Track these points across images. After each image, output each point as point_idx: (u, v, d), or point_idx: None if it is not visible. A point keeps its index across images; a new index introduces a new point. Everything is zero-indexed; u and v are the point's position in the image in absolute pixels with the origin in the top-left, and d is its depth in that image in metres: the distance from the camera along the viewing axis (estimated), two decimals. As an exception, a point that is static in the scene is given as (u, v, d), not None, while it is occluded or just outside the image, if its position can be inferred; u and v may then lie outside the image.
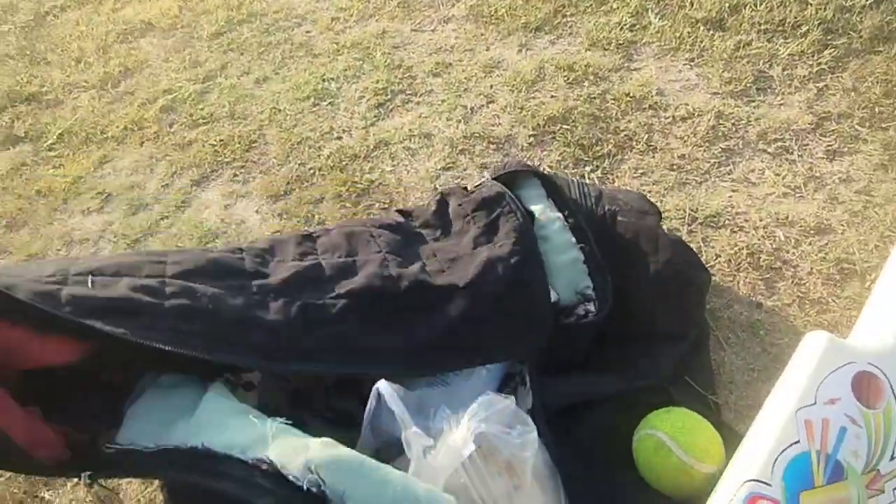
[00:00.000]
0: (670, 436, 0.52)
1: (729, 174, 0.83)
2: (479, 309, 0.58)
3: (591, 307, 0.62)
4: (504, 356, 0.61)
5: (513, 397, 0.52)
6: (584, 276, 0.64)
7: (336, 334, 0.54)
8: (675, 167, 0.86)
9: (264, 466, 0.44)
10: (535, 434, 0.49)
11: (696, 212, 0.79)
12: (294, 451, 0.45)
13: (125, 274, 0.53)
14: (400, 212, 0.72)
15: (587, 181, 0.81)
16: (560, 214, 0.67)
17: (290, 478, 0.43)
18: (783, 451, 0.49)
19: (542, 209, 0.68)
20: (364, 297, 0.57)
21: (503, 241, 0.63)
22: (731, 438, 0.54)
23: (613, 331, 0.61)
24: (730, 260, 0.74)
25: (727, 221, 0.78)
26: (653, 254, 0.62)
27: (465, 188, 0.74)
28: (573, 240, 0.65)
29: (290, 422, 0.49)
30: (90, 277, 0.51)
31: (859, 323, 0.60)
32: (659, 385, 0.58)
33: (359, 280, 0.58)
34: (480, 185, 0.71)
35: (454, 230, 0.67)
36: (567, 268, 0.64)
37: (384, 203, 0.91)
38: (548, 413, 0.55)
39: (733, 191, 0.81)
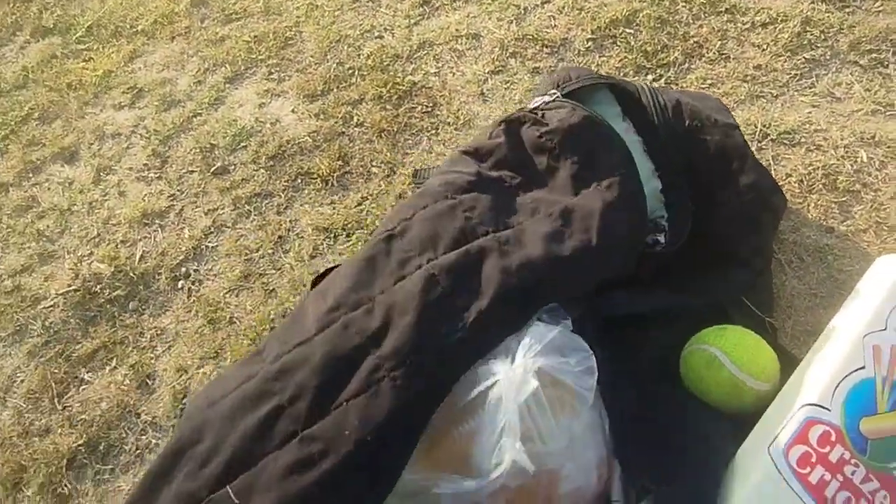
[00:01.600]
0: (723, 350, 0.51)
1: (811, 87, 0.77)
2: (610, 260, 0.54)
3: (661, 238, 0.59)
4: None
5: (564, 322, 0.49)
6: (661, 205, 0.60)
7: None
8: (748, 78, 0.79)
9: None
10: (593, 360, 0.48)
11: (768, 127, 0.74)
12: None
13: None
14: (465, 153, 0.62)
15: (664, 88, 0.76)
16: (639, 138, 0.61)
17: None
18: (846, 375, 0.47)
19: (621, 132, 0.60)
20: (492, 319, 0.48)
21: (609, 180, 0.56)
22: (787, 361, 0.52)
23: (680, 251, 0.58)
24: (802, 180, 0.69)
25: (803, 139, 0.72)
26: (737, 175, 0.57)
27: (534, 112, 0.63)
28: (653, 167, 0.60)
29: None
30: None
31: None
32: (720, 305, 0.56)
33: (483, 301, 0.48)
34: (550, 104, 0.63)
35: (540, 168, 0.59)
36: (647, 198, 0.59)
37: (427, 106, 0.88)
38: (597, 323, 0.54)
39: (814, 106, 0.75)
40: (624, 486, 0.49)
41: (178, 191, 0.89)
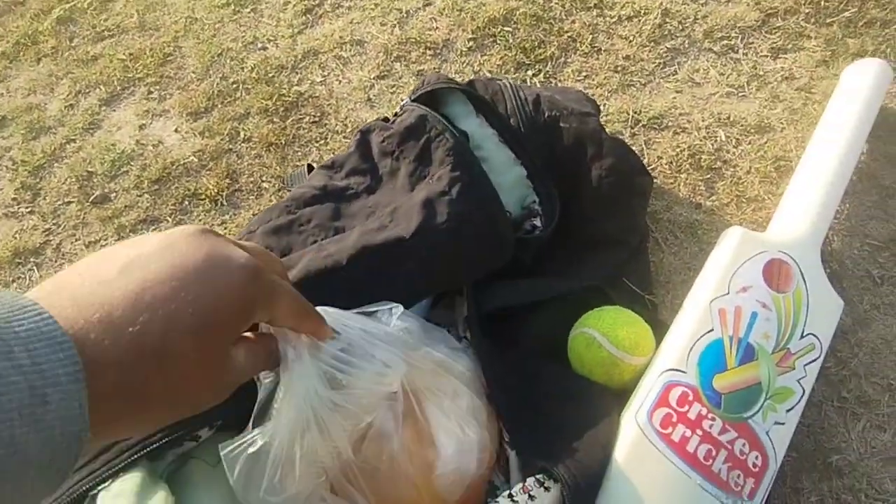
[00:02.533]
0: (601, 332, 0.56)
1: (674, 75, 0.85)
2: (432, 253, 0.56)
3: (538, 222, 0.63)
4: (464, 282, 0.62)
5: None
6: (530, 190, 0.64)
7: None
8: (619, 69, 0.86)
9: None
10: (463, 344, 0.51)
11: (639, 114, 0.81)
12: None
13: None
14: (322, 167, 0.67)
15: (527, 84, 0.81)
16: (493, 130, 0.65)
17: None
18: (698, 339, 0.53)
19: (474, 127, 0.65)
20: (309, 281, 0.51)
21: (439, 172, 0.60)
22: (664, 334, 0.58)
23: (554, 237, 0.63)
24: (671, 161, 0.76)
25: (670, 123, 0.80)
26: (597, 159, 0.63)
27: (386, 119, 0.70)
28: (512, 155, 0.65)
29: None
30: None
31: (775, 215, 0.64)
32: (599, 288, 0.61)
33: (294, 273, 0.52)
34: (400, 111, 0.68)
35: (384, 172, 0.64)
36: (512, 186, 0.64)
37: (314, 117, 0.90)
38: (484, 320, 0.58)
39: (677, 91, 0.83)
40: (522, 473, 0.53)
41: (54, 224, 0.86)
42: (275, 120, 0.90)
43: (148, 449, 0.43)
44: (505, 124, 0.64)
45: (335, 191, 0.62)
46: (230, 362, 0.28)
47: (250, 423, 0.43)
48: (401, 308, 0.48)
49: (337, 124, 0.88)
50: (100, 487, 0.41)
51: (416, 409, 0.48)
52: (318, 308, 0.38)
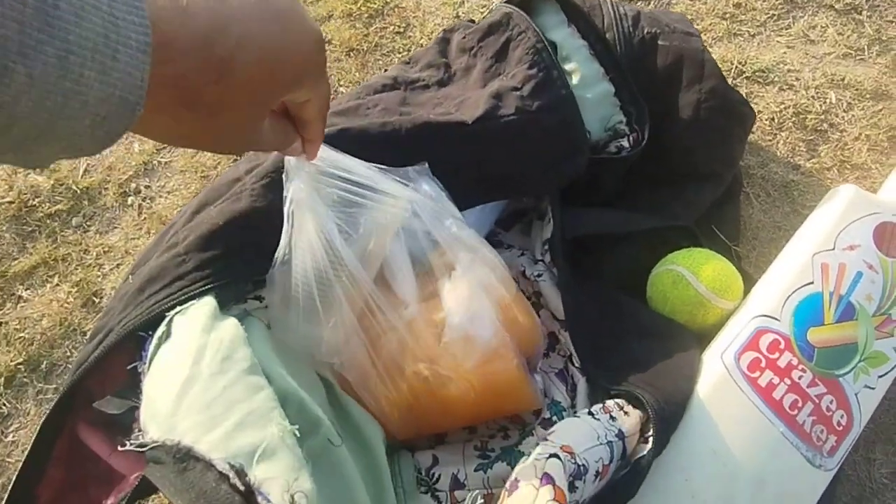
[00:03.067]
0: (691, 270, 0.54)
1: (787, 28, 0.80)
2: (492, 145, 0.55)
3: (625, 143, 0.61)
4: (530, 192, 0.61)
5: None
6: (617, 110, 0.62)
7: None
8: (727, 16, 0.82)
9: (240, 485, 0.34)
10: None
11: (743, 65, 0.77)
12: (283, 471, 0.34)
13: None
14: (402, 62, 0.67)
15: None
16: (584, 42, 0.62)
17: (262, 501, 0.33)
18: (796, 290, 0.52)
19: (564, 37, 0.63)
20: (354, 144, 0.50)
21: (515, 70, 0.59)
22: (750, 285, 0.57)
23: (645, 167, 0.61)
24: (773, 118, 0.73)
25: (777, 78, 0.76)
26: (696, 81, 0.60)
27: (473, 21, 0.69)
28: (602, 70, 0.62)
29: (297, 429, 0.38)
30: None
31: (890, 180, 0.61)
32: (689, 229, 0.59)
33: (353, 128, 0.52)
34: (489, 12, 0.67)
35: (460, 67, 0.63)
36: (596, 103, 0.61)
37: (399, 27, 0.87)
38: (567, 245, 0.57)
39: (788, 47, 0.79)
40: (590, 398, 0.53)
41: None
42: (357, 25, 0.88)
43: (221, 281, 0.45)
44: (598, 35, 0.61)
45: (406, 81, 0.61)
46: (260, 132, 0.29)
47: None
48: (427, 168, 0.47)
49: (421, 37, 0.86)
50: (175, 311, 0.42)
51: (434, 282, 0.49)
52: (327, 148, 0.39)
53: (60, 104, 0.20)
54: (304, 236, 0.42)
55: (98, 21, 0.20)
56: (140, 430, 0.39)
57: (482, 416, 0.54)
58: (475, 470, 0.51)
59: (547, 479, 0.37)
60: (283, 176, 0.41)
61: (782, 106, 0.74)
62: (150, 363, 0.41)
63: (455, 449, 0.54)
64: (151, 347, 0.42)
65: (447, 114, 0.55)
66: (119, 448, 0.37)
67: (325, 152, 0.40)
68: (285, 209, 0.42)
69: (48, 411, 0.44)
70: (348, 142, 0.51)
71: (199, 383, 0.36)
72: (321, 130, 0.33)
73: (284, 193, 0.41)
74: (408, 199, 0.44)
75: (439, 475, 0.51)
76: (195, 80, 0.23)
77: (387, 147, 0.52)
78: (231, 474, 0.31)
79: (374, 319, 0.45)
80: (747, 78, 0.77)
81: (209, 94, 0.24)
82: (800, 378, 0.48)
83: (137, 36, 0.21)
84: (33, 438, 0.43)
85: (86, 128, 0.21)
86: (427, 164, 0.48)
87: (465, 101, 0.56)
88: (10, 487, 0.43)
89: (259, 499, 0.30)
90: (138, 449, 0.34)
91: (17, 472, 0.44)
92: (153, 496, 0.56)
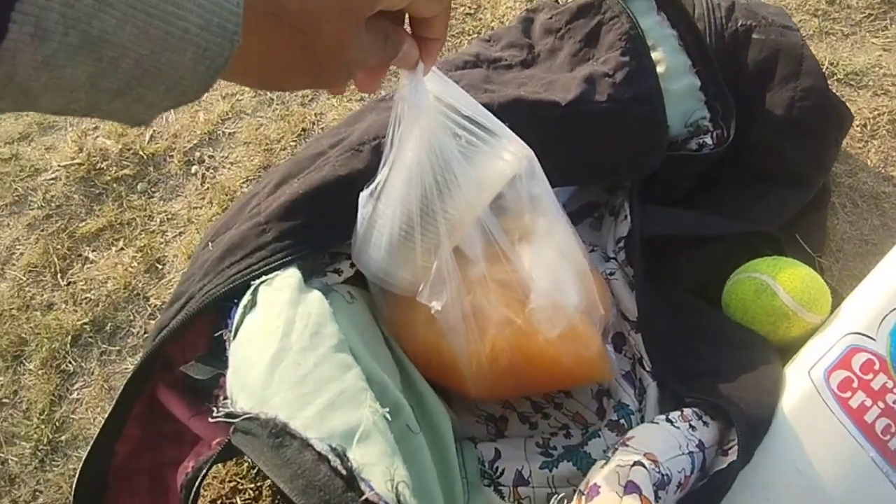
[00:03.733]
0: (776, 279, 0.52)
1: (883, 30, 0.76)
2: (583, 129, 0.54)
3: (708, 139, 0.59)
4: (607, 180, 0.59)
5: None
6: (701, 104, 0.59)
7: None
8: (819, 13, 0.78)
9: (341, 468, 0.32)
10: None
11: (835, 66, 0.73)
12: (379, 456, 0.34)
13: None
14: (481, 39, 0.65)
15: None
16: (674, 31, 0.60)
17: (364, 487, 0.32)
18: (894, 309, 0.49)
19: (652, 25, 0.60)
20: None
21: (606, 55, 0.57)
22: (836, 300, 0.54)
23: (728, 167, 0.59)
24: (865, 124, 0.69)
25: (871, 82, 0.72)
26: (792, 78, 0.57)
27: (557, 2, 0.66)
28: (689, 62, 0.59)
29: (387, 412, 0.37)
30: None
31: None
32: (774, 236, 0.56)
33: None
34: None
35: (545, 48, 0.61)
36: (680, 97, 0.59)
37: (470, 8, 0.85)
38: (644, 244, 0.55)
39: (885, 49, 0.75)
40: (660, 404, 0.51)
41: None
42: (428, 4, 0.86)
43: (302, 252, 0.45)
44: (690, 25, 0.59)
45: (488, 59, 0.60)
46: (360, 46, 0.27)
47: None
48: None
49: (493, 20, 0.84)
50: (260, 280, 0.42)
51: (510, 244, 0.47)
52: (438, 72, 0.36)
53: (164, 31, 0.19)
54: (411, 156, 0.39)
55: None
56: (226, 398, 0.38)
57: (557, 384, 0.53)
58: (540, 468, 0.50)
59: (632, 487, 0.36)
60: (398, 94, 0.38)
61: (876, 112, 0.70)
62: (235, 332, 0.41)
63: (517, 443, 0.53)
64: (237, 316, 0.41)
65: (537, 93, 0.53)
66: (207, 416, 0.37)
67: (440, 82, 0.37)
68: (390, 131, 0.39)
69: (130, 373, 0.44)
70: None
71: (290, 357, 0.35)
72: (444, 28, 0.31)
73: (394, 112, 0.38)
74: (525, 154, 0.42)
75: (503, 469, 0.50)
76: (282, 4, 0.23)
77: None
78: (331, 456, 0.30)
79: (469, 269, 0.44)
80: (839, 80, 0.73)
81: (293, 3, 0.23)
82: (895, 402, 0.45)
83: None
84: (116, 398, 0.44)
85: (188, 61, 0.21)
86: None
87: (553, 83, 0.55)
88: (92, 442, 0.45)
89: (362, 486, 0.30)
90: (227, 420, 0.34)
91: (99, 429, 0.45)
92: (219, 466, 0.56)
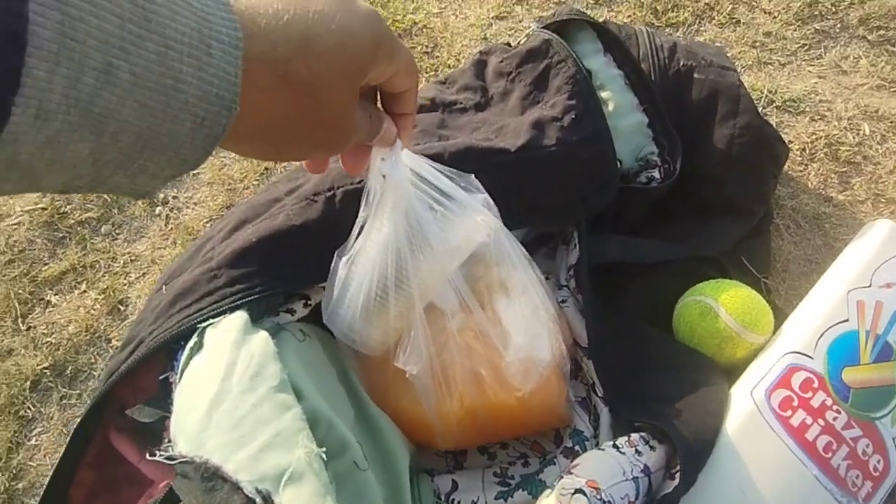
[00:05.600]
0: (719, 302, 0.53)
1: (818, 58, 0.79)
2: (533, 174, 0.55)
3: (656, 174, 0.61)
4: (561, 220, 0.60)
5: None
6: (649, 140, 0.62)
7: None
8: (757, 44, 0.81)
9: None
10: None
11: (774, 94, 0.76)
12: (310, 497, 0.33)
13: None
14: (436, 82, 0.67)
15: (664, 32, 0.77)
16: (620, 72, 0.62)
17: None
18: (830, 327, 0.50)
19: (600, 66, 0.62)
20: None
21: (554, 99, 0.58)
22: (780, 319, 0.55)
23: (674, 199, 0.60)
24: (804, 148, 0.72)
25: (808, 108, 0.75)
26: (731, 116, 0.59)
27: (509, 44, 0.69)
28: (636, 100, 0.62)
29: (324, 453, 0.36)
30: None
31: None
32: (717, 260, 0.58)
33: None
34: (525, 37, 0.66)
35: (498, 91, 0.63)
36: (629, 133, 0.61)
37: (427, 47, 0.88)
38: (592, 272, 0.56)
39: (820, 77, 0.78)
40: (613, 429, 0.52)
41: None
42: (387, 45, 0.88)
43: (250, 297, 0.45)
44: (634, 66, 0.61)
45: (444, 103, 0.61)
46: (354, 118, 0.28)
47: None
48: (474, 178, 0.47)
49: (449, 58, 0.86)
50: (207, 323, 0.42)
51: (484, 297, 0.48)
52: (408, 150, 0.38)
53: (163, 104, 0.20)
54: (387, 225, 0.41)
55: (191, 16, 0.20)
56: (170, 441, 0.38)
57: (525, 434, 0.53)
58: (495, 498, 0.50)
59: (573, 515, 0.36)
60: (367, 177, 0.39)
61: (814, 137, 0.72)
62: (181, 374, 0.41)
63: (475, 475, 0.53)
64: (183, 358, 0.41)
65: (488, 140, 0.55)
66: (148, 457, 0.36)
67: (409, 156, 0.39)
68: (365, 200, 0.41)
69: (80, 418, 0.44)
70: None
71: (229, 400, 0.35)
72: (414, 101, 0.33)
73: (367, 185, 0.40)
74: (491, 224, 0.44)
75: (459, 501, 0.50)
76: (283, 52, 0.23)
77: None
78: (258, 499, 0.30)
79: (444, 323, 0.44)
80: (778, 107, 0.75)
81: (299, 65, 0.24)
82: (834, 419, 0.46)
83: (228, 31, 0.21)
84: (66, 444, 0.44)
85: (187, 131, 0.21)
86: (474, 176, 0.47)
87: (504, 128, 0.56)
88: (43, 490, 0.44)
89: None
90: (167, 461, 0.34)
91: (50, 476, 0.44)
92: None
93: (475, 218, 0.44)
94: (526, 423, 0.50)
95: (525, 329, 0.46)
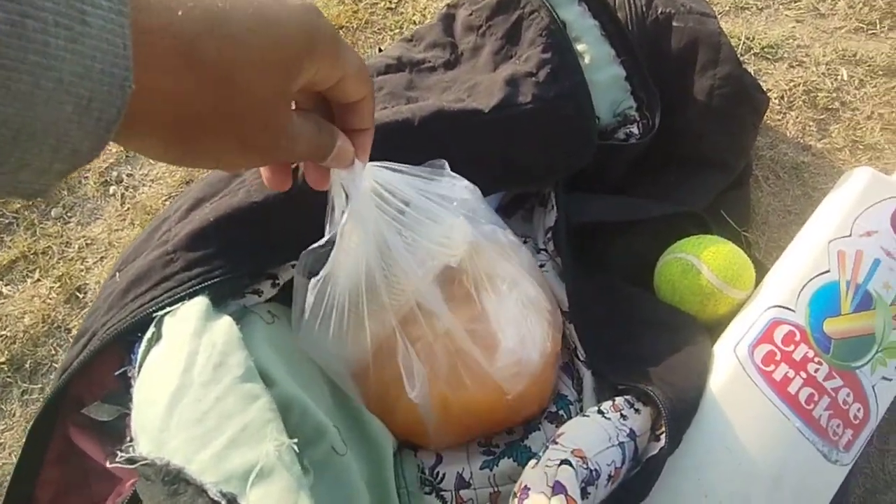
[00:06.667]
0: (701, 259, 0.52)
1: (795, 2, 0.77)
2: (509, 133, 0.53)
3: (635, 129, 0.59)
4: (540, 182, 0.59)
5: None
6: (627, 94, 0.60)
7: None
8: (735, -11, 0.79)
9: None
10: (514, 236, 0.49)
11: (751, 41, 0.75)
12: (281, 493, 0.32)
13: None
14: (403, 39, 0.63)
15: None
16: (596, 22, 0.60)
17: None
18: (811, 279, 0.50)
19: (574, 16, 0.60)
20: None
21: (528, 52, 0.56)
22: (761, 273, 0.55)
23: (653, 153, 0.59)
24: (783, 96, 0.71)
25: (786, 54, 0.74)
26: (711, 66, 0.58)
27: None
28: (613, 52, 0.60)
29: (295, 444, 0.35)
30: None
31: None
32: (698, 215, 0.57)
33: None
34: None
35: (467, 47, 0.60)
36: (606, 87, 0.59)
37: (390, 3, 0.84)
38: (571, 234, 0.55)
39: (798, 21, 0.76)
40: (596, 392, 0.51)
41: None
42: (346, 1, 0.84)
43: (210, 282, 0.43)
44: (611, 15, 0.59)
45: (411, 62, 0.58)
46: (287, 121, 0.26)
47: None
48: (447, 169, 0.45)
49: (414, 14, 0.82)
50: (164, 311, 0.40)
51: (473, 293, 0.46)
52: (373, 163, 0.36)
53: (29, 84, 0.17)
54: (355, 250, 0.39)
55: None
56: (131, 440, 0.37)
57: (514, 423, 0.53)
58: (480, 468, 0.50)
59: (559, 487, 0.35)
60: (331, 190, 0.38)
61: (792, 84, 0.72)
62: (139, 368, 0.39)
63: (459, 446, 0.52)
64: (140, 351, 0.39)
65: (459, 101, 0.52)
66: (108, 464, 0.35)
67: (372, 171, 0.37)
68: (330, 216, 0.38)
69: (35, 416, 0.42)
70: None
71: (191, 394, 0.34)
72: (371, 115, 0.30)
73: (330, 203, 0.38)
74: (466, 240, 0.42)
75: (444, 474, 0.50)
76: (187, 26, 0.21)
77: (399, 138, 0.49)
78: (223, 503, 0.29)
79: (422, 327, 0.43)
80: (755, 55, 0.74)
81: (206, 45, 0.21)
82: (816, 371, 0.47)
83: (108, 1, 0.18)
84: (24, 445, 0.42)
85: (70, 115, 0.18)
86: (445, 162, 0.45)
87: (476, 86, 0.54)
88: (5, 493, 0.42)
89: None
90: (127, 465, 0.32)
91: (10, 477, 0.42)
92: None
93: (448, 234, 0.42)
94: (519, 417, 0.50)
95: (515, 329, 0.44)
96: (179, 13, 0.21)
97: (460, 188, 0.44)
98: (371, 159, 0.37)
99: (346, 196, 0.35)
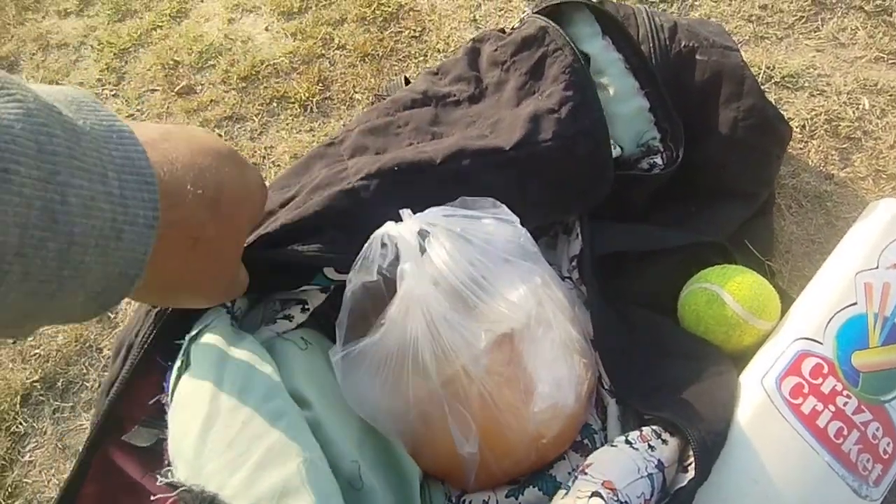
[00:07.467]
0: (726, 289, 0.53)
1: (815, 31, 0.78)
2: (530, 170, 0.54)
3: (658, 160, 0.60)
4: (560, 216, 0.60)
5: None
6: (651, 125, 0.61)
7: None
8: (753, 18, 0.80)
9: None
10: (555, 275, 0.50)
11: (772, 70, 0.75)
12: None
13: None
14: (428, 72, 0.65)
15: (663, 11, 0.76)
16: (620, 55, 0.62)
17: None
18: (838, 312, 0.50)
19: (598, 50, 0.61)
20: (387, 175, 0.50)
21: (551, 89, 0.57)
22: (786, 302, 0.55)
23: (677, 184, 0.60)
24: (804, 125, 0.71)
25: (807, 83, 0.74)
26: (735, 98, 0.58)
27: (502, 30, 0.68)
28: (637, 85, 0.61)
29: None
30: None
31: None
32: (722, 245, 0.57)
33: (384, 161, 0.52)
34: (520, 24, 0.65)
35: (492, 82, 0.61)
36: (630, 118, 0.60)
37: (414, 31, 0.86)
38: (596, 262, 0.55)
39: (818, 50, 0.77)
40: (621, 421, 0.52)
41: (138, 110, 0.85)
42: (372, 30, 0.86)
43: (235, 310, 0.44)
44: (634, 49, 0.60)
45: (436, 96, 0.60)
46: (238, 270, 0.33)
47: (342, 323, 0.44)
48: (505, 208, 0.46)
49: (438, 42, 0.84)
50: (190, 337, 0.41)
51: (511, 340, 0.47)
52: (421, 214, 0.40)
53: (55, 290, 0.19)
54: (401, 325, 0.42)
55: (107, 206, 0.19)
56: (170, 464, 0.38)
57: (544, 463, 0.53)
58: (506, 496, 0.50)
59: (591, 519, 0.36)
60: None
61: (813, 112, 0.72)
62: (172, 395, 0.40)
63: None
64: (172, 380, 0.40)
65: (482, 136, 0.53)
66: (157, 483, 0.36)
67: (447, 243, 0.40)
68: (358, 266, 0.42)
69: (89, 437, 0.43)
70: (382, 175, 0.49)
71: (220, 420, 0.35)
72: None
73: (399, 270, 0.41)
74: (530, 311, 0.44)
75: (470, 502, 0.50)
76: (200, 216, 0.25)
77: (421, 176, 0.50)
78: None
79: (462, 382, 0.44)
80: (776, 83, 0.75)
81: (210, 229, 0.26)
82: (845, 405, 0.47)
83: (146, 213, 0.21)
84: (74, 466, 0.43)
85: (78, 304, 0.20)
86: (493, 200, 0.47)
87: (499, 122, 0.55)
88: None
89: None
90: (169, 488, 0.33)
91: (60, 493, 0.43)
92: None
93: (511, 303, 0.43)
94: (547, 460, 0.50)
95: (551, 373, 0.45)
96: (188, 204, 0.24)
97: (506, 228, 0.45)
98: (393, 198, 0.40)
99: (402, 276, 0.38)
